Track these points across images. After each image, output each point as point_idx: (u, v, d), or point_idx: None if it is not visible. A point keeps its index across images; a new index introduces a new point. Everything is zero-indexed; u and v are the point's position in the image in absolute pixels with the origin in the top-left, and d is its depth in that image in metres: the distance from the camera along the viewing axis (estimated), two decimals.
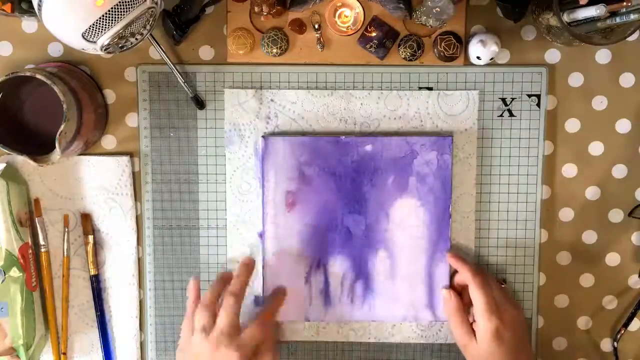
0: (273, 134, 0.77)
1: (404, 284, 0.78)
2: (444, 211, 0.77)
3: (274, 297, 0.77)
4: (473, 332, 0.73)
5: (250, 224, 0.78)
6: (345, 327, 0.79)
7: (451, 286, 0.77)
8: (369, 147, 0.76)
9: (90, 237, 0.77)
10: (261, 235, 0.77)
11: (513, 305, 0.74)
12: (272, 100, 0.76)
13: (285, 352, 0.80)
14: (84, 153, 0.77)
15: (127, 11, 0.61)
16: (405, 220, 0.77)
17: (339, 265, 0.78)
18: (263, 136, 0.76)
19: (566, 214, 0.79)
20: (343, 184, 0.77)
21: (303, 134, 0.77)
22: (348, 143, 0.76)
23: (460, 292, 0.76)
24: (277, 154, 0.76)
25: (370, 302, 0.78)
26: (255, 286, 0.78)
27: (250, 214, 0.78)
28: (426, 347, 0.80)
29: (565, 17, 0.67)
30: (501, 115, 0.77)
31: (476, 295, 0.72)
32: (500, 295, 0.73)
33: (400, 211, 0.77)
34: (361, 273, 0.78)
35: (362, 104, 0.77)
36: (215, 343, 0.68)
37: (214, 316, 0.70)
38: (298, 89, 0.76)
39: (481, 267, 0.77)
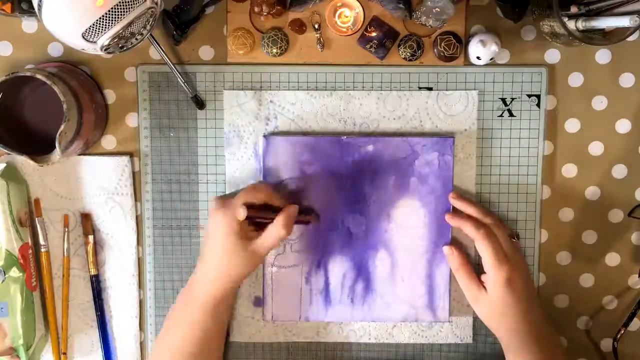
0: (273, 134, 0.77)
1: (404, 284, 0.78)
2: (444, 212, 0.77)
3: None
4: (482, 284, 0.72)
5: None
6: (346, 327, 0.79)
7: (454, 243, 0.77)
8: (370, 148, 0.76)
9: (91, 237, 0.77)
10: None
11: (521, 257, 0.74)
12: (271, 101, 0.76)
13: (285, 352, 0.80)
14: (84, 153, 0.77)
15: (127, 11, 0.61)
16: (406, 221, 0.77)
17: (339, 266, 0.78)
18: (264, 135, 0.76)
19: (566, 214, 0.79)
20: (344, 184, 0.77)
21: (304, 134, 0.77)
22: (349, 143, 0.76)
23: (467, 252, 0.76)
24: (278, 154, 0.76)
25: (371, 303, 0.78)
26: (255, 287, 0.78)
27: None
28: (427, 347, 0.80)
29: (580, 25, 0.67)
30: (501, 115, 0.77)
31: (482, 247, 0.70)
32: (508, 246, 0.72)
33: (401, 212, 0.77)
34: (362, 273, 0.78)
35: (361, 104, 0.77)
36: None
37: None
38: (298, 89, 0.76)
39: (490, 214, 0.74)
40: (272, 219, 0.70)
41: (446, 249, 0.76)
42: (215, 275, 0.70)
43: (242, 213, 0.68)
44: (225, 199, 0.71)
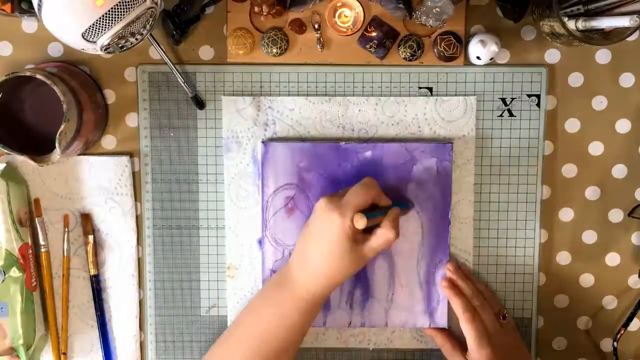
0: (272, 140, 0.76)
1: (403, 290, 0.78)
2: (443, 218, 0.77)
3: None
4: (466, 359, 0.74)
5: (249, 231, 0.78)
6: (345, 333, 0.79)
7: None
8: (368, 154, 0.76)
9: (91, 237, 0.77)
10: (260, 241, 0.77)
11: (509, 333, 0.75)
12: (270, 107, 0.76)
13: None
14: (84, 153, 0.77)
15: (127, 11, 0.61)
16: (405, 227, 0.77)
17: None
18: (263, 141, 0.76)
19: (566, 214, 0.79)
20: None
21: (303, 139, 0.77)
22: (348, 149, 0.76)
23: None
24: (277, 160, 0.76)
25: (370, 308, 0.78)
26: (254, 292, 0.78)
27: (248, 221, 0.77)
28: (425, 353, 0.80)
29: (580, 25, 0.67)
30: (501, 116, 0.77)
31: (465, 329, 0.73)
32: (494, 328, 0.73)
33: (400, 217, 0.77)
34: (360, 279, 0.78)
35: (360, 110, 0.76)
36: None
37: None
38: (298, 90, 0.76)
39: (479, 295, 0.76)
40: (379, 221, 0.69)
41: (438, 341, 0.77)
42: (320, 275, 0.68)
43: (361, 223, 0.66)
44: (336, 199, 0.67)
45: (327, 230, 0.67)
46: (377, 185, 0.70)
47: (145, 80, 0.76)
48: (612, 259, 0.80)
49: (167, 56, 0.74)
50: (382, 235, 0.68)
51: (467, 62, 0.76)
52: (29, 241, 0.75)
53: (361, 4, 0.74)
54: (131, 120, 0.77)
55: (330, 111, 0.76)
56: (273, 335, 0.70)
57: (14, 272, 0.73)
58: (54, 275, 0.78)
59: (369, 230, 0.68)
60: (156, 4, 0.63)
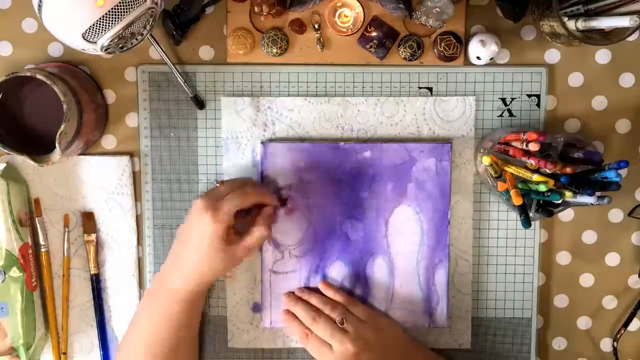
0: (271, 140, 0.76)
1: (402, 289, 0.78)
2: (442, 217, 0.77)
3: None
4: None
5: None
6: None
7: None
8: (367, 154, 0.76)
9: (93, 235, 0.77)
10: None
11: (369, 333, 0.73)
12: (269, 107, 0.76)
13: (286, 356, 0.80)
14: (84, 153, 0.77)
15: (127, 11, 0.61)
16: (404, 227, 0.77)
17: (337, 271, 0.78)
18: (262, 142, 0.76)
19: (566, 214, 0.79)
20: (342, 190, 0.77)
21: (302, 140, 0.77)
22: (347, 149, 0.76)
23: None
24: (276, 160, 0.76)
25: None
26: (253, 293, 0.78)
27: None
28: None
29: (580, 25, 0.67)
30: (501, 115, 0.77)
31: (307, 349, 0.74)
32: (331, 336, 0.72)
33: (399, 217, 0.77)
34: (360, 279, 0.78)
35: (358, 110, 0.76)
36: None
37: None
38: (298, 90, 0.76)
39: (309, 311, 0.75)
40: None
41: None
42: (192, 272, 0.70)
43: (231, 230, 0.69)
44: (213, 199, 0.68)
45: (201, 231, 0.68)
46: (255, 187, 0.72)
47: (145, 80, 0.76)
48: (612, 259, 0.80)
49: (167, 56, 0.74)
50: (255, 234, 0.70)
51: (467, 62, 0.76)
52: (29, 241, 0.75)
53: (361, 4, 0.74)
54: (131, 120, 0.77)
55: (330, 111, 0.76)
56: (165, 333, 0.71)
57: (14, 272, 0.73)
58: (54, 275, 0.78)
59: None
60: (156, 4, 0.63)
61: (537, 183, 0.66)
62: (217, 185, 0.71)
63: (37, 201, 0.77)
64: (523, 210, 0.67)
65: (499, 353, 0.79)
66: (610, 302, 0.80)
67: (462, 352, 0.79)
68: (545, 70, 0.76)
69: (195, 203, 0.69)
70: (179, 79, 0.74)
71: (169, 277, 0.71)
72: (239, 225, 0.72)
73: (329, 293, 0.76)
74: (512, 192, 0.67)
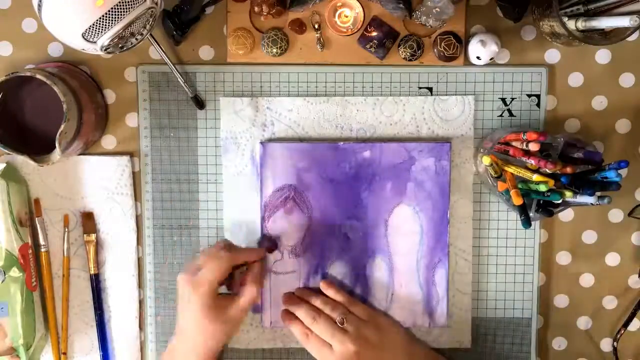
0: (270, 140, 0.76)
1: (402, 289, 0.78)
2: (441, 217, 0.77)
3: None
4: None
5: (248, 232, 0.78)
6: None
7: None
8: (367, 153, 0.76)
9: (93, 235, 0.77)
10: (259, 242, 0.77)
11: (369, 333, 0.73)
12: (268, 107, 0.76)
13: (286, 356, 0.80)
14: (84, 153, 0.77)
15: (127, 11, 0.61)
16: (403, 226, 0.77)
17: (337, 271, 0.78)
18: (261, 142, 0.76)
19: (566, 214, 0.79)
20: (341, 190, 0.77)
21: (301, 140, 0.77)
22: (346, 149, 0.76)
23: None
24: (276, 160, 0.76)
25: None
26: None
27: (247, 222, 0.77)
28: None
29: (580, 25, 0.67)
30: (501, 115, 0.77)
31: (307, 349, 0.74)
32: (332, 336, 0.72)
33: (398, 217, 0.77)
34: (359, 279, 0.78)
35: (357, 110, 0.76)
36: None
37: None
38: (298, 90, 0.76)
39: (310, 311, 0.74)
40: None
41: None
42: (194, 346, 0.69)
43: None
44: (191, 272, 0.69)
45: (189, 303, 0.68)
46: (232, 249, 0.71)
47: (145, 80, 0.76)
48: (612, 259, 0.80)
49: (167, 56, 0.74)
50: (247, 293, 0.70)
51: (467, 62, 0.76)
52: (29, 241, 0.75)
53: (361, 4, 0.74)
54: (131, 120, 0.77)
55: (329, 111, 0.76)
56: None
57: (14, 272, 0.73)
58: (54, 275, 0.78)
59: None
60: (156, 4, 0.63)
61: (537, 183, 0.66)
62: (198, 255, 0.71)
63: (37, 201, 0.77)
64: (523, 210, 0.67)
65: (499, 353, 0.79)
66: (610, 302, 0.80)
67: (462, 351, 0.79)
68: (545, 70, 0.76)
69: (177, 279, 0.70)
70: (179, 79, 0.74)
71: (177, 353, 0.71)
72: (233, 285, 0.72)
73: (330, 292, 0.76)
74: (512, 192, 0.67)
